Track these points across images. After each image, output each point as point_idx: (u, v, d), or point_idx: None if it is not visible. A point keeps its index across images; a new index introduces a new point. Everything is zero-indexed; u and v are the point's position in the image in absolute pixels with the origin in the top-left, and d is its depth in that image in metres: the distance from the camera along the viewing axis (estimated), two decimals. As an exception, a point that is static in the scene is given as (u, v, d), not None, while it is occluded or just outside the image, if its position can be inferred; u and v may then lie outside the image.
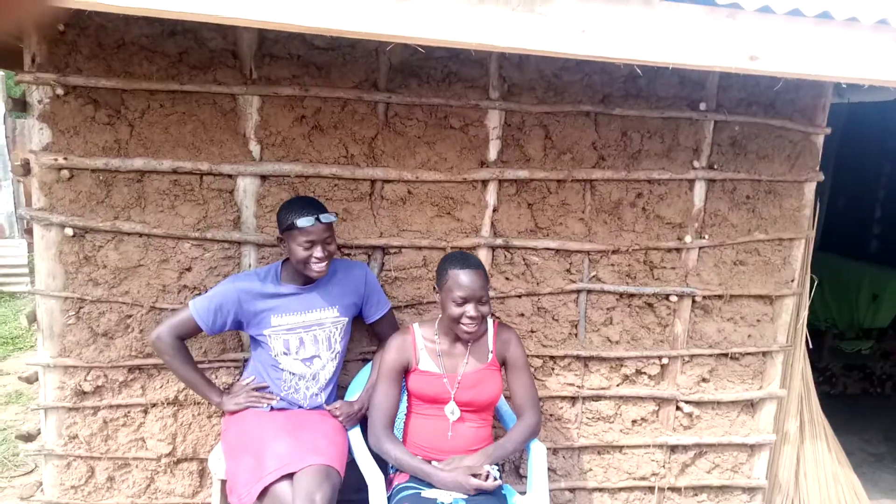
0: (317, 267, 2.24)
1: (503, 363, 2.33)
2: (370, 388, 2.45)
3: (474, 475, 2.11)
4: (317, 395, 2.43)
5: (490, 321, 2.36)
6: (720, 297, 2.86)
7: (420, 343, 2.29)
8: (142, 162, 2.40)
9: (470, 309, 2.14)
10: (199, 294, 2.49)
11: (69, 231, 2.41)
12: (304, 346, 2.37)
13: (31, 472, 3.37)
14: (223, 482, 2.32)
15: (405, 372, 2.29)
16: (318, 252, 2.22)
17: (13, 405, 4.23)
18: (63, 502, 2.61)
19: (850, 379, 5.09)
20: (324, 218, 2.23)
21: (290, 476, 2.08)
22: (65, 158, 2.36)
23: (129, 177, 2.42)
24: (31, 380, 2.57)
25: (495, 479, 2.16)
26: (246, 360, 2.56)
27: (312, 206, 2.26)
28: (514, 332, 2.37)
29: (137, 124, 2.39)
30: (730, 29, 1.87)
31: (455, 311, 2.15)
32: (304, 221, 2.19)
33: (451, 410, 2.25)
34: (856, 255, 5.54)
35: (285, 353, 2.36)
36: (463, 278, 2.14)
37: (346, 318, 2.44)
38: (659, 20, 1.84)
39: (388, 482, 2.30)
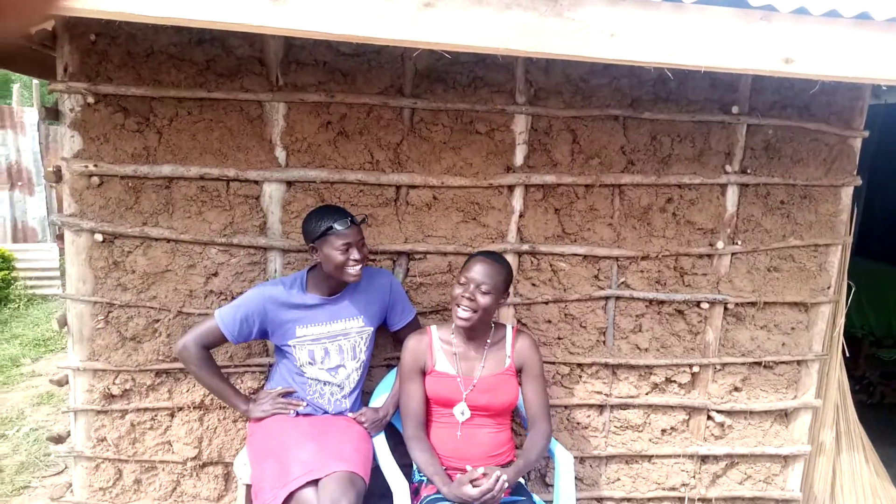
0: (353, 270, 2.24)
1: (520, 369, 2.30)
2: (395, 395, 2.44)
3: (473, 482, 2.04)
4: (341, 400, 2.42)
5: (509, 327, 2.33)
6: (753, 304, 2.80)
7: (437, 344, 2.28)
8: (170, 168, 2.42)
9: (467, 292, 2.13)
10: (225, 300, 2.50)
11: (99, 237, 2.44)
12: (329, 356, 2.37)
13: (62, 472, 3.42)
14: (248, 487, 2.33)
15: (423, 373, 2.27)
16: (354, 255, 2.23)
17: (45, 406, 4.31)
18: (92, 503, 2.64)
19: (888, 388, 4.94)
20: (356, 219, 2.27)
21: (314, 482, 2.08)
22: (95, 165, 2.38)
23: (158, 183, 2.44)
24: (61, 382, 2.61)
25: (502, 480, 2.05)
26: (271, 365, 2.56)
27: (340, 211, 2.28)
28: (533, 339, 2.32)
29: (166, 131, 2.41)
30: (764, 32, 1.82)
31: (455, 291, 2.17)
32: (340, 225, 2.21)
33: (461, 411, 2.23)
34: (894, 260, 5.38)
35: (310, 363, 2.36)
36: (473, 264, 2.17)
37: (372, 328, 2.43)
38: (690, 23, 1.80)
39: (415, 491, 2.28)
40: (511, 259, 2.64)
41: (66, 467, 3.43)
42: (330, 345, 2.36)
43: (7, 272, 6.67)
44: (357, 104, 2.46)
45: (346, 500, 2.00)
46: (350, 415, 2.41)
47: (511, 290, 2.32)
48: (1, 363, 5.04)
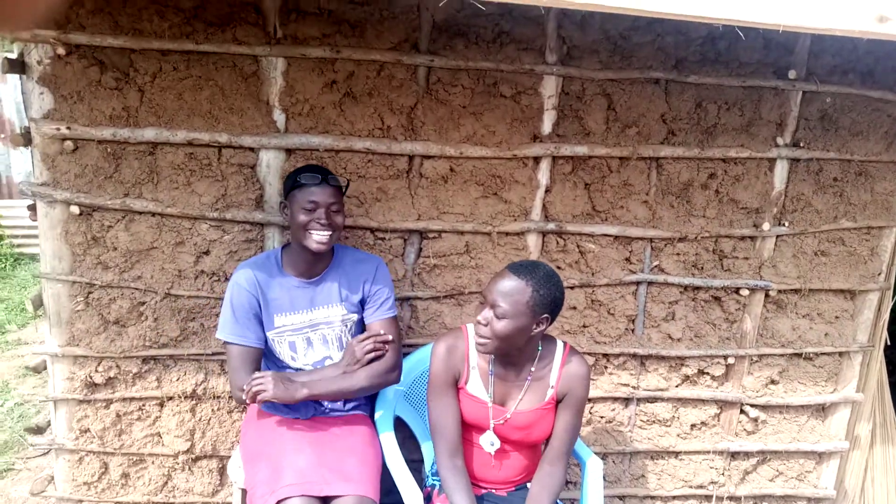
0: (317, 236, 1.93)
1: (560, 399, 1.93)
2: (350, 346, 2.09)
3: None
4: None
5: (559, 346, 1.97)
6: (797, 291, 2.55)
7: (473, 355, 1.95)
8: (153, 132, 2.13)
9: (481, 313, 1.81)
10: (217, 281, 2.26)
11: (75, 209, 2.17)
12: (313, 348, 2.11)
13: (47, 453, 3.21)
14: (244, 491, 2.11)
15: (457, 385, 1.96)
16: (321, 215, 1.92)
17: (31, 378, 4.08)
18: (76, 498, 2.43)
19: None
20: (332, 179, 1.98)
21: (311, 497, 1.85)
22: (68, 128, 2.10)
23: (140, 149, 2.16)
24: (38, 369, 2.37)
25: None
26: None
27: (321, 169, 2.01)
28: (586, 367, 1.93)
29: (148, 89, 2.12)
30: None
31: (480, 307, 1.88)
32: (308, 178, 1.95)
33: (490, 442, 1.94)
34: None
35: (293, 358, 2.11)
36: (494, 278, 1.82)
37: (357, 315, 2.15)
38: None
39: (427, 497, 2.06)
40: (535, 239, 2.38)
41: (50, 449, 3.22)
42: (312, 334, 2.10)
43: (-9, 230, 6.40)
44: (366, 61, 2.16)
45: None
46: (328, 362, 2.11)
47: (545, 314, 1.81)
48: (-15, 330, 4.81)
